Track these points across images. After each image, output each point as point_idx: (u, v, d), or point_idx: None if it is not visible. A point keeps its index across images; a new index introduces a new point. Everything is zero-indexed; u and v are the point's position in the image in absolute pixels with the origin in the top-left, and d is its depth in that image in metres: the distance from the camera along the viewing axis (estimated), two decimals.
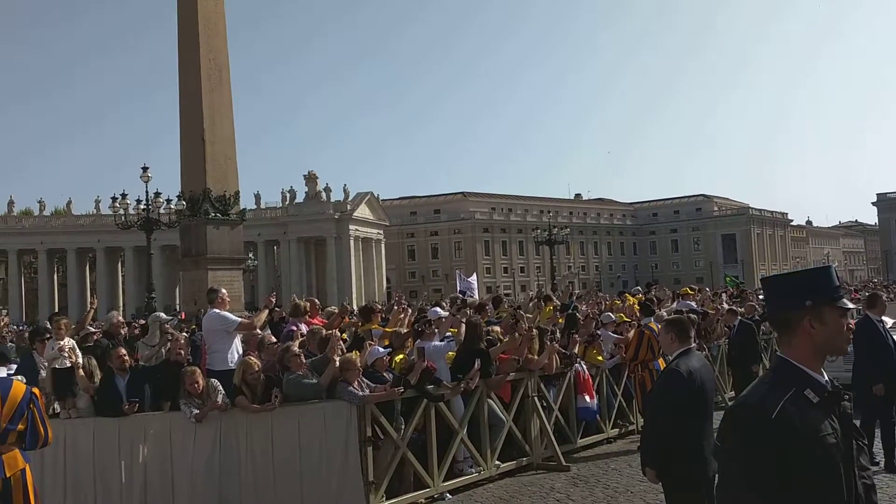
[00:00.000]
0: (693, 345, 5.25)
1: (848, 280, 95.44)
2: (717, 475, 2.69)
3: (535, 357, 9.76)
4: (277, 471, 7.47)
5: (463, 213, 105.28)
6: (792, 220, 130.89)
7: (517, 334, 9.67)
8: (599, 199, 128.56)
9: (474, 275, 16.06)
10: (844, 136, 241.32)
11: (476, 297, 16.47)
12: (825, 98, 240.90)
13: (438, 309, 10.89)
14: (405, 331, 9.39)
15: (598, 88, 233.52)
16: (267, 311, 9.85)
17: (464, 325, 9.38)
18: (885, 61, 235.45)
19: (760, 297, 19.44)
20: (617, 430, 11.28)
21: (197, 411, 7.36)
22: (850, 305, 2.68)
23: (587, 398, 10.52)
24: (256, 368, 7.58)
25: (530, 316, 12.63)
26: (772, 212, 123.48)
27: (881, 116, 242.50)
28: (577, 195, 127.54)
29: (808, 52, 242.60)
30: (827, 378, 2.59)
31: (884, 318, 16.49)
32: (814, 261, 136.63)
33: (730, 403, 4.95)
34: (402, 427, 7.95)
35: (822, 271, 2.80)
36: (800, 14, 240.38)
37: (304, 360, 7.80)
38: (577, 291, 23.93)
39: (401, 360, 8.72)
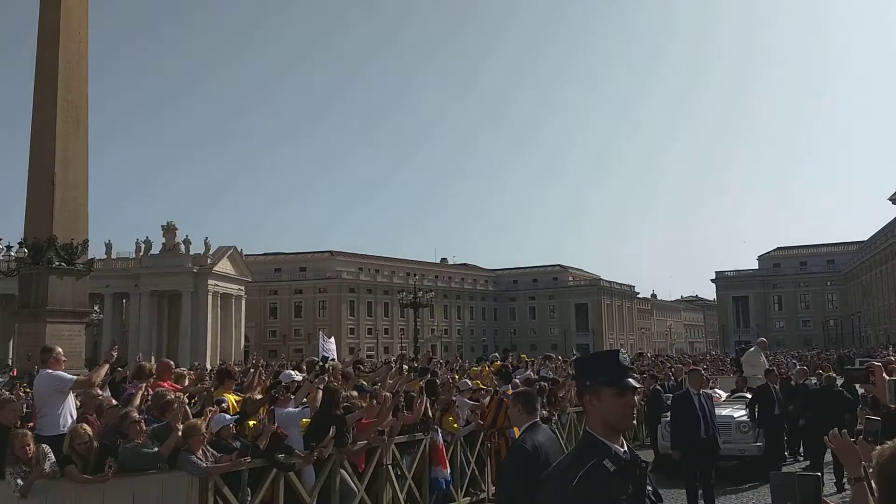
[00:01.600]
0: (538, 418, 5.47)
1: (688, 351, 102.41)
2: None
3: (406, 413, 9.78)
4: None
5: (329, 272, 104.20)
6: (639, 293, 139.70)
7: (375, 402, 9.63)
8: (464, 264, 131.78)
9: (332, 338, 15.89)
10: (688, 216, 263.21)
11: (335, 359, 16.28)
12: (670, 178, 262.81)
13: (293, 373, 10.65)
14: (259, 397, 9.09)
15: (455, 153, 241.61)
16: (107, 366, 9.17)
17: (321, 392, 9.23)
18: (720, 146, 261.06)
19: None
20: (469, 498, 11.34)
21: (22, 483, 6.71)
22: (633, 385, 2.97)
23: (441, 468, 10.55)
24: (87, 438, 7.03)
25: (391, 381, 12.63)
26: (620, 284, 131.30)
27: (720, 199, 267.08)
28: (443, 259, 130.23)
29: (661, 134, 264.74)
30: (625, 448, 2.90)
31: (717, 391, 17.88)
32: (657, 331, 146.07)
33: None
34: (249, 498, 7.62)
35: (608, 354, 3.12)
36: (659, 98, 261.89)
37: (143, 427, 7.35)
38: (435, 357, 24.18)
39: (253, 426, 8.41)
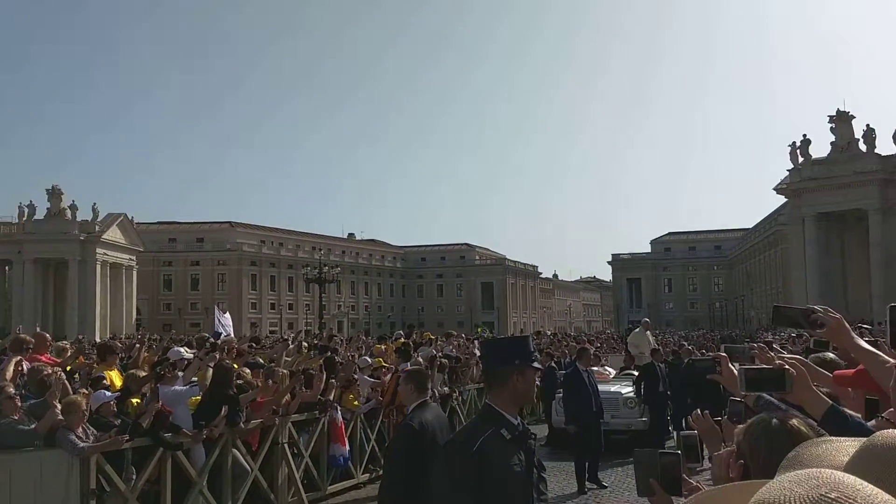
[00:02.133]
0: (428, 396, 5.50)
1: (586, 330, 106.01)
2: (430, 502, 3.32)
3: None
4: None
5: (229, 244, 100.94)
6: (541, 273, 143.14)
7: (270, 381, 9.45)
8: (372, 240, 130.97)
9: (228, 313, 15.44)
10: (589, 201, 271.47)
11: (231, 335, 15.84)
12: (573, 166, 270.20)
13: (182, 350, 10.30)
14: (143, 374, 8.73)
15: (366, 128, 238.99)
16: None
17: (211, 370, 8.96)
18: (620, 136, 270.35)
19: None
20: (368, 475, 11.37)
21: None
22: (539, 366, 3.45)
23: (339, 446, 10.50)
24: None
25: (289, 359, 12.43)
26: (525, 264, 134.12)
27: (619, 186, 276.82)
28: (351, 234, 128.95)
29: (566, 123, 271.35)
30: (518, 420, 3.31)
31: (606, 367, 18.59)
32: (557, 310, 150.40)
33: None
34: (134, 477, 7.34)
35: (525, 339, 3.57)
36: (564, 89, 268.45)
37: (19, 404, 6.92)
38: (337, 334, 24.00)
39: (137, 404, 8.08)
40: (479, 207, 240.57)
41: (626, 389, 14.93)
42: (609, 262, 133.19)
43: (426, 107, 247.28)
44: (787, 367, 2.67)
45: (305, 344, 14.83)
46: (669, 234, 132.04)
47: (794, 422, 2.33)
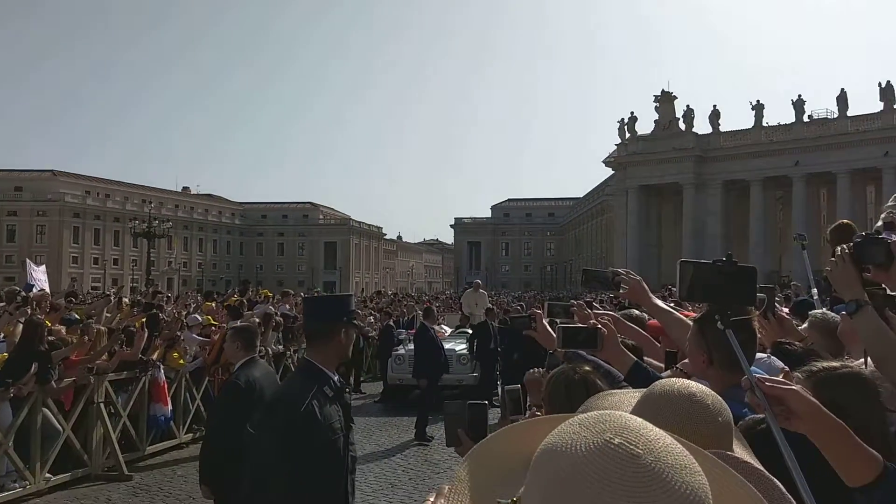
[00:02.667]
0: (256, 353, 5.47)
1: (426, 291, 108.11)
2: (251, 459, 3.30)
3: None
4: None
5: (51, 194, 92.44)
6: (386, 234, 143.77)
7: (86, 337, 8.92)
8: (209, 194, 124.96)
9: (42, 266, 14.27)
10: (434, 165, 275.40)
11: (46, 290, 14.65)
12: (418, 130, 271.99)
13: None
14: None
15: (208, 79, 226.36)
16: None
17: (21, 326, 8.32)
18: (457, 108, 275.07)
19: None
20: (191, 434, 11.09)
21: None
22: (360, 324, 3.40)
23: (161, 406, 10.14)
24: None
25: (109, 315, 11.76)
26: (369, 225, 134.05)
27: (462, 152, 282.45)
28: (185, 188, 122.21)
29: (408, 84, 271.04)
30: (337, 377, 3.40)
31: (443, 326, 19.28)
32: (400, 271, 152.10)
33: None
34: None
35: (348, 297, 3.62)
36: (405, 51, 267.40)
37: None
38: (162, 291, 22.95)
39: None
40: (324, 168, 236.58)
41: (460, 347, 15.53)
42: (452, 226, 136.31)
43: (270, 60, 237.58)
44: (599, 326, 2.97)
45: (126, 300, 14.04)
46: (509, 200, 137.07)
47: (592, 375, 2.60)
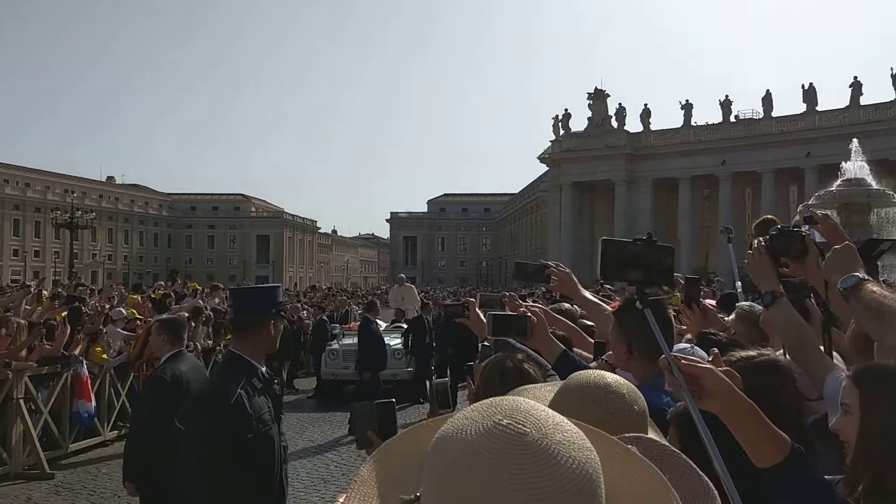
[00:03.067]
0: (183, 347, 5.34)
1: (362, 286, 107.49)
2: (182, 454, 3.25)
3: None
4: None
5: None
6: (320, 228, 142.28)
7: (4, 331, 8.54)
8: (135, 185, 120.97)
9: None
10: (369, 160, 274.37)
11: None
12: (356, 122, 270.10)
13: None
14: None
15: (135, 64, 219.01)
16: None
17: None
18: (393, 100, 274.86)
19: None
20: (116, 431, 10.76)
21: None
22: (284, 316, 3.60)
23: (85, 402, 9.79)
24: None
25: (28, 308, 11.28)
26: (304, 218, 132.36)
27: (396, 148, 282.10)
28: (110, 178, 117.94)
29: (342, 76, 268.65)
30: (265, 369, 3.41)
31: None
32: (335, 265, 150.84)
33: None
34: None
35: (276, 289, 3.59)
36: (343, 44, 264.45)
37: None
38: (85, 284, 22.15)
39: None
40: (256, 159, 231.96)
41: (395, 341, 15.48)
42: (387, 220, 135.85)
43: (203, 46, 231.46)
44: (528, 314, 3.01)
45: (46, 292, 13.51)
46: (445, 195, 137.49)
47: (526, 365, 2.63)
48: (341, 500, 1.08)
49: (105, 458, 9.77)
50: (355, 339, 14.59)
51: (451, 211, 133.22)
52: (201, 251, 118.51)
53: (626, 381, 1.44)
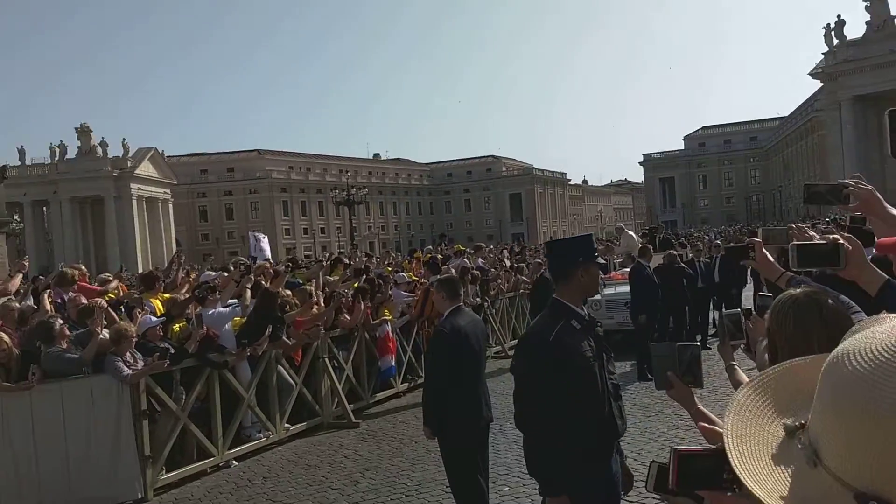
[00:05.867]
0: (462, 302, 5.56)
1: (615, 233, 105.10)
2: (515, 391, 3.59)
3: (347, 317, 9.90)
4: (40, 454, 6.85)
5: (259, 172, 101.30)
6: (570, 180, 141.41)
7: (313, 299, 9.65)
8: (397, 159, 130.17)
9: (266, 237, 15.59)
10: (614, 101, 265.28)
11: (269, 258, 16.04)
12: (596, 66, 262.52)
13: (211, 273, 10.56)
14: (183, 297, 8.95)
15: (400, 53, 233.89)
16: (20, 276, 8.87)
17: (249, 291, 9.16)
18: (639, 38, 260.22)
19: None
20: (406, 384, 11.70)
21: None
22: (602, 261, 3.73)
23: (388, 357, 10.75)
24: (5, 346, 6.84)
25: (334, 279, 12.52)
26: (553, 172, 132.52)
27: (644, 83, 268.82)
28: (376, 155, 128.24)
29: (580, 24, 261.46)
30: (586, 312, 3.65)
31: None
32: (588, 217, 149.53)
33: None
34: (183, 396, 7.65)
35: (587, 238, 3.84)
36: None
37: (67, 332, 7.18)
38: (371, 254, 24.25)
39: (179, 328, 8.32)
40: (501, 120, 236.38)
41: (615, 290, 14.66)
42: (640, 163, 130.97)
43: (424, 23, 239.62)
44: (840, 241, 2.56)
45: (346, 260, 15.07)
46: (703, 128, 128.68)
47: (821, 295, 2.25)
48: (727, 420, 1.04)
49: (400, 408, 10.67)
50: (617, 289, 14.27)
51: (710, 145, 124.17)
52: (460, 214, 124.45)
53: None
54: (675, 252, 15.17)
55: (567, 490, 3.40)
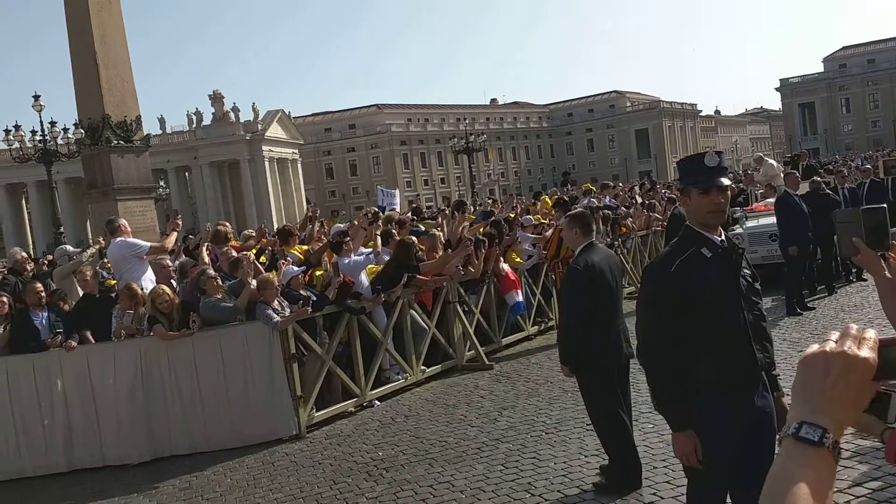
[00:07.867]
0: (595, 238, 5.45)
1: (754, 164, 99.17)
2: (636, 323, 3.51)
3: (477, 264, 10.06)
4: (204, 395, 7.49)
5: (379, 127, 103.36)
6: (701, 111, 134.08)
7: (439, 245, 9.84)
8: (515, 102, 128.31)
9: (396, 189, 15.94)
10: (746, 25, 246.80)
11: (397, 209, 16.43)
12: None
13: (340, 226, 11.01)
14: (318, 246, 9.38)
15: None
16: (175, 234, 9.57)
17: (379, 238, 9.46)
18: None
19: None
20: (536, 327, 11.72)
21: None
22: (715, 184, 3.23)
23: (515, 293, 10.76)
24: (167, 297, 7.46)
25: (457, 224, 12.67)
26: (682, 104, 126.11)
27: (777, 2, 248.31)
28: (493, 100, 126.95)
29: None
30: (722, 238, 3.29)
31: (768, 200, 17.49)
32: (723, 148, 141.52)
33: None
34: (327, 341, 8.07)
35: (693, 158, 3.42)
36: None
37: (220, 283, 7.72)
38: (493, 198, 24.27)
39: (321, 276, 8.75)
40: (624, 50, 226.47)
41: (762, 222, 13.87)
42: (777, 89, 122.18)
43: None
44: None
45: (471, 207, 15.19)
46: (843, 48, 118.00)
47: None
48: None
49: (532, 350, 10.73)
50: (760, 221, 13.58)
51: (853, 65, 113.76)
52: (583, 155, 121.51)
53: None
54: (819, 178, 14.24)
55: (692, 425, 3.24)
